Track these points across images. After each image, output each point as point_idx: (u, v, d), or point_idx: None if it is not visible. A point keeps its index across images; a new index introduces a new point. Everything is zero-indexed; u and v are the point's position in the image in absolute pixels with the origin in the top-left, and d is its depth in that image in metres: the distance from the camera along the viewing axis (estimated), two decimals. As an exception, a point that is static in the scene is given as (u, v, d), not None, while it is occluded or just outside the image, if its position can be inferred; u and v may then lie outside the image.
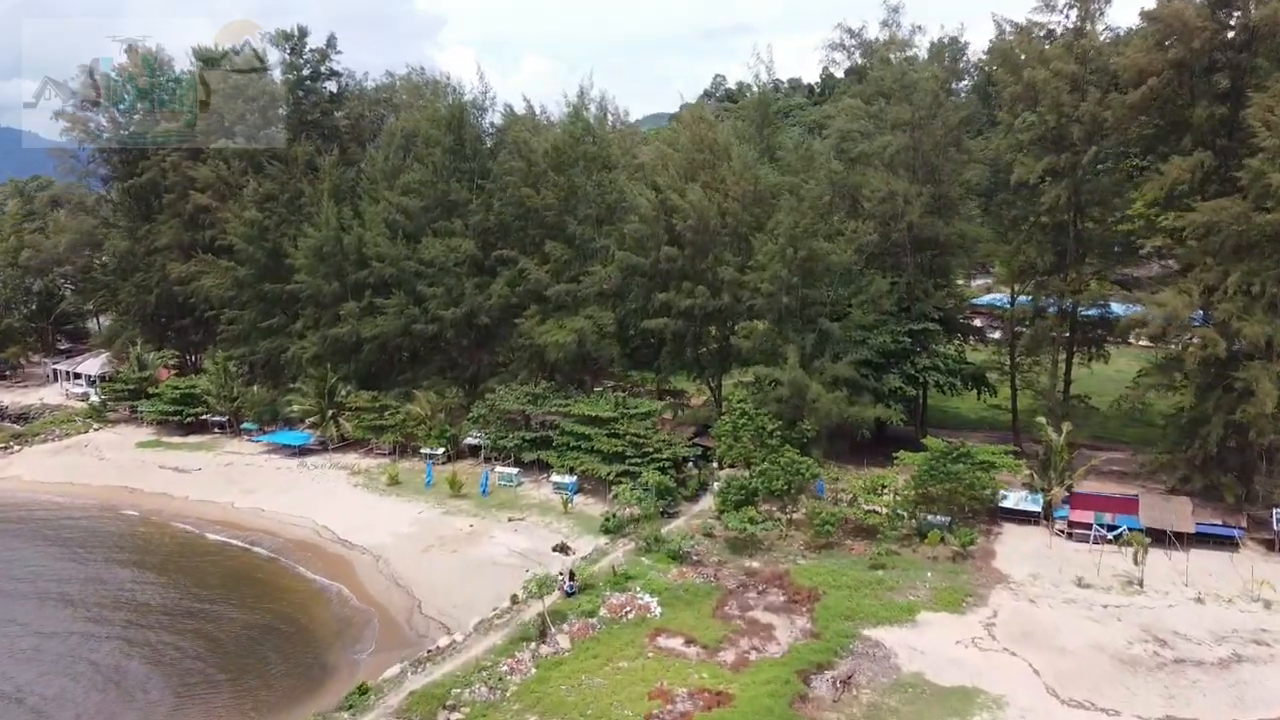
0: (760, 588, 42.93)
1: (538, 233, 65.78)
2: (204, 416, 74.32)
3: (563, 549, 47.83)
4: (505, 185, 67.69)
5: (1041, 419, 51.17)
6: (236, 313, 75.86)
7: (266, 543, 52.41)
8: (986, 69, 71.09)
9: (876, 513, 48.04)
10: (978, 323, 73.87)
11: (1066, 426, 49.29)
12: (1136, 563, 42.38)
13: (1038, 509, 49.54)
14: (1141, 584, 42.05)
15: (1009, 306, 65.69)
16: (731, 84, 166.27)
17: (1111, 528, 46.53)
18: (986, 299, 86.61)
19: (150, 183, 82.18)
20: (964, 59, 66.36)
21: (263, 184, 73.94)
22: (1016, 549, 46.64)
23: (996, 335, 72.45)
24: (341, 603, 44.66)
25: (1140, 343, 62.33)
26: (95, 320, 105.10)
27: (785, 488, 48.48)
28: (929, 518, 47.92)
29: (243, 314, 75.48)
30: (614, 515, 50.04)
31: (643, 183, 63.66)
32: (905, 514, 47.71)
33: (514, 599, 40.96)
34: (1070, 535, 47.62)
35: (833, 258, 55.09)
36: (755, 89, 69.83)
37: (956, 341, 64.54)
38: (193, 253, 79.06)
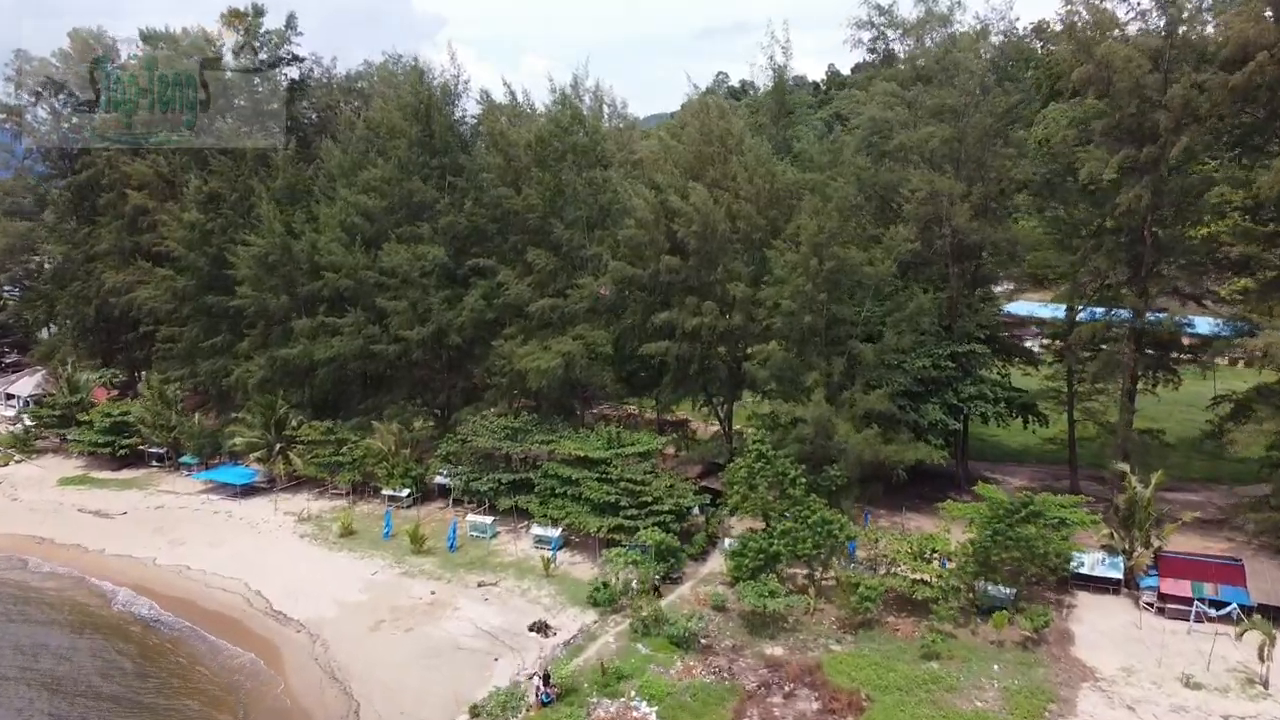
0: (787, 688, 34.33)
1: (519, 239, 56.61)
2: (140, 448, 65.19)
3: (541, 628, 39.23)
4: (481, 183, 58.57)
5: (1123, 466, 42.33)
6: (176, 329, 66.49)
7: (182, 614, 43.07)
8: (1000, 63, 62.82)
9: (926, 583, 39.13)
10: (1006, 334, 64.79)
11: (1158, 476, 40.48)
12: (1263, 659, 33.57)
13: (1118, 575, 40.89)
14: (1266, 684, 33.49)
15: (1053, 320, 56.85)
16: (735, 82, 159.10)
17: (1215, 603, 37.92)
18: (1011, 307, 77.62)
19: (90, 181, 73.62)
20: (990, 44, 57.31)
21: (207, 182, 64.67)
22: (1099, 629, 38.28)
23: (1029, 344, 63.70)
24: (256, 702, 35.51)
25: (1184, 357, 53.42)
26: (47, 331, 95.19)
27: (814, 551, 39.71)
28: (989, 589, 39.20)
29: (183, 330, 66.06)
30: (604, 585, 41.08)
31: (640, 181, 54.78)
32: (961, 586, 38.89)
33: (474, 711, 31.92)
34: (1163, 610, 38.94)
35: (867, 269, 46.40)
36: (771, 71, 60.63)
37: (1000, 363, 55.89)
38: (133, 259, 70.07)
